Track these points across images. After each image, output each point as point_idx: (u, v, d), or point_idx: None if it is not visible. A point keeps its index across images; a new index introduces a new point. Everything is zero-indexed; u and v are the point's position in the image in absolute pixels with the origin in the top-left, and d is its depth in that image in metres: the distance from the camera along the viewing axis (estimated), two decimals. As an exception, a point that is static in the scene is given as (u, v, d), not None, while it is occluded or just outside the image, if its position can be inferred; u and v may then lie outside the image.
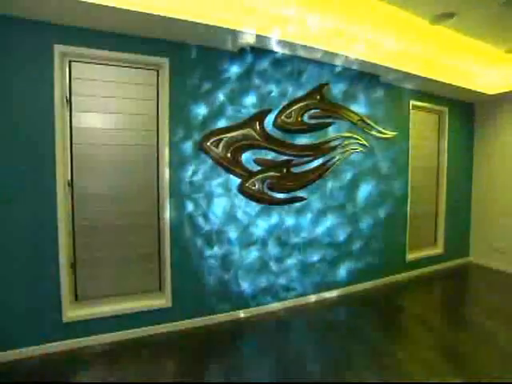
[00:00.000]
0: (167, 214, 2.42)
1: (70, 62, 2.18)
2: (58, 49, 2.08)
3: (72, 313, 2.20)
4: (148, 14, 1.97)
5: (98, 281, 2.33)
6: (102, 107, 2.28)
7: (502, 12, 2.46)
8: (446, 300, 3.31)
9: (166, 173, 2.41)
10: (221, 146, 2.51)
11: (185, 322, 2.52)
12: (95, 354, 2.13)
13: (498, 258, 4.16)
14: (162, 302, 2.44)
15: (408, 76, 3.25)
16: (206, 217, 2.55)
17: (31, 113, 2.04)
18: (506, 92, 3.82)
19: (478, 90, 3.80)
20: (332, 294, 3.21)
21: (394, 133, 3.55)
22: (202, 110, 2.48)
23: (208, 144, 2.48)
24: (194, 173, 2.49)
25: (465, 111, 4.38)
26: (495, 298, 3.22)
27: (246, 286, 2.74)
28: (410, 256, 3.86)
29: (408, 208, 3.77)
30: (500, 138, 4.19)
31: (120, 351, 2.18)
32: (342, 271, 3.28)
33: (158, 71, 2.43)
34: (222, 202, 2.60)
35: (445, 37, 2.95)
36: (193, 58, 2.45)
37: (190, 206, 2.49)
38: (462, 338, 2.41)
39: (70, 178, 2.22)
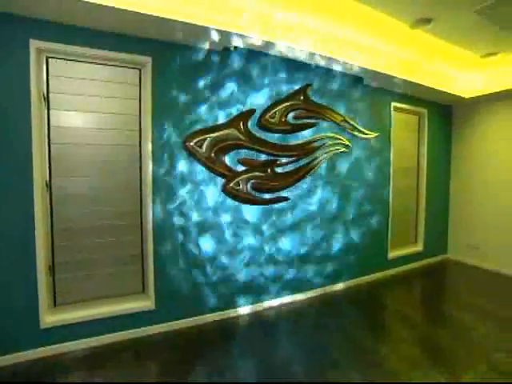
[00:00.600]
0: (150, 215, 2.40)
1: (47, 58, 2.12)
2: (34, 44, 2.01)
3: (50, 318, 2.15)
4: (129, 12, 1.95)
5: (78, 284, 2.29)
6: (81, 106, 2.23)
7: (476, 19, 2.58)
8: (426, 295, 3.44)
9: (148, 173, 2.39)
10: (205, 146, 2.51)
11: (169, 324, 2.50)
12: (76, 360, 2.09)
13: (473, 255, 4.37)
14: (145, 303, 2.42)
15: (390, 78, 3.35)
16: (189, 217, 2.54)
17: (7, 110, 1.97)
18: (481, 95, 4.01)
19: (455, 93, 3.96)
20: (316, 292, 3.28)
21: (376, 133, 3.66)
22: (185, 110, 2.47)
23: (192, 144, 2.47)
24: (178, 173, 2.48)
25: (443, 113, 4.56)
26: (471, 293, 3.39)
27: (232, 285, 2.76)
28: (392, 254, 3.98)
29: (390, 207, 3.90)
30: (475, 140, 4.39)
31: (102, 355, 2.15)
32: (326, 270, 3.35)
33: (140, 70, 2.40)
34: (205, 202, 2.60)
35: (425, 41, 3.06)
36: (177, 58, 2.43)
37: (173, 207, 2.48)
38: (441, 333, 2.53)
39: (48, 178, 2.16)
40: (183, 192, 2.51)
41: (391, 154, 3.86)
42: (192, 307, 2.60)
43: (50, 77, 2.14)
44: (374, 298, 3.23)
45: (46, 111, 2.13)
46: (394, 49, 3.25)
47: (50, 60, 2.13)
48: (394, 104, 3.86)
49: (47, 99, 2.13)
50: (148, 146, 2.38)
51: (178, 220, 2.50)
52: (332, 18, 2.66)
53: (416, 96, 4.07)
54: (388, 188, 3.87)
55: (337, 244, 3.42)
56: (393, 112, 3.85)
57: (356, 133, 3.46)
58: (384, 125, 3.77)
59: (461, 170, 4.59)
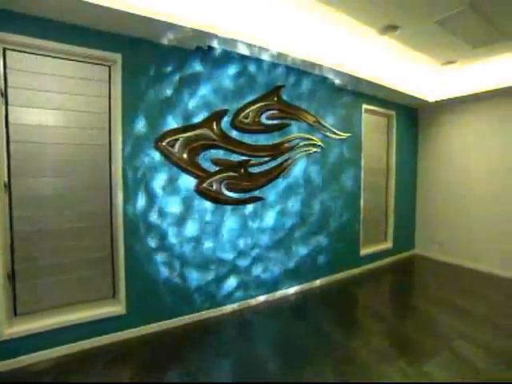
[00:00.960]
0: (121, 216, 2.33)
1: (4, 49, 2.00)
2: (-10, 35, 1.89)
3: (10, 329, 2.02)
4: (98, 6, 1.88)
5: (41, 291, 2.17)
6: (45, 103, 2.12)
7: (437, 29, 2.76)
8: (396, 289, 3.62)
9: (118, 173, 2.32)
10: (177, 146, 2.48)
11: (142, 329, 2.45)
12: (41, 372, 1.99)
13: (438, 250, 4.66)
14: (115, 308, 2.35)
15: (360, 81, 3.49)
16: (162, 218, 2.50)
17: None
18: (443, 100, 4.29)
19: (421, 97, 4.20)
20: (293, 291, 3.35)
21: (348, 134, 3.79)
22: (157, 109, 2.43)
23: (164, 144, 2.43)
24: (149, 173, 2.43)
25: (410, 115, 4.81)
26: (436, 285, 3.62)
27: (205, 286, 2.75)
28: (364, 252, 4.15)
29: (361, 207, 4.05)
30: (439, 142, 4.68)
31: (70, 365, 2.06)
32: (301, 269, 3.43)
33: (110, 67, 2.32)
34: (178, 202, 2.57)
35: (393, 46, 3.21)
36: (148, 55, 2.38)
37: (145, 208, 2.43)
38: (409, 324, 2.68)
39: (6, 179, 2.03)
40: (155, 191, 2.46)
41: (362, 155, 4.02)
42: (165, 310, 2.55)
43: (8, 71, 2.02)
44: (347, 295, 3.35)
45: (3, 107, 2.01)
46: (365, 52, 3.38)
47: (7, 52, 2.01)
48: (364, 106, 4.02)
49: (5, 94, 2.01)
50: (118, 146, 2.31)
51: (149, 220, 2.45)
52: (305, 21, 2.72)
53: (385, 99, 4.26)
54: (359, 188, 4.03)
55: (311, 243, 3.50)
56: (364, 114, 4.02)
57: (328, 133, 3.57)
58: (355, 126, 3.92)
59: (426, 170, 4.88)
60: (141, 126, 2.38)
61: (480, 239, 4.15)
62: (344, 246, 3.86)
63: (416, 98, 4.19)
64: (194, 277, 2.68)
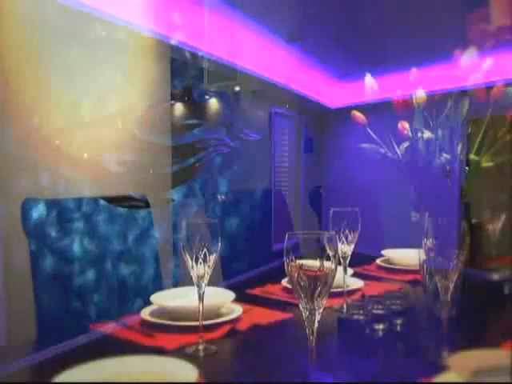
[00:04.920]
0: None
1: None
2: None
3: None
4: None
5: None
6: None
7: (332, 45, 3.27)
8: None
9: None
10: None
11: None
12: None
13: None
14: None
15: (269, 85, 3.84)
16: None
17: None
18: (342, 108, 5.01)
19: (322, 103, 4.85)
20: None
21: (258, 136, 4.12)
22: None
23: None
24: None
25: (317, 120, 5.49)
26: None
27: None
28: (276, 247, 4.56)
29: (272, 204, 4.46)
30: (336, 145, 5.47)
31: None
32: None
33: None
34: None
35: (301, 55, 3.64)
36: None
37: None
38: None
39: None
40: None
41: (272, 153, 4.44)
42: None
43: None
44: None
45: None
46: (275, 59, 3.72)
47: None
48: (275, 110, 4.44)
49: None
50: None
51: None
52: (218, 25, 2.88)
53: (294, 103, 4.77)
54: (270, 187, 4.43)
55: (223, 242, 3.70)
56: (274, 116, 4.43)
57: (240, 135, 3.82)
58: (266, 128, 4.29)
59: (329, 171, 5.65)
60: None
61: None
62: (257, 243, 4.19)
63: (319, 104, 4.81)
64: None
